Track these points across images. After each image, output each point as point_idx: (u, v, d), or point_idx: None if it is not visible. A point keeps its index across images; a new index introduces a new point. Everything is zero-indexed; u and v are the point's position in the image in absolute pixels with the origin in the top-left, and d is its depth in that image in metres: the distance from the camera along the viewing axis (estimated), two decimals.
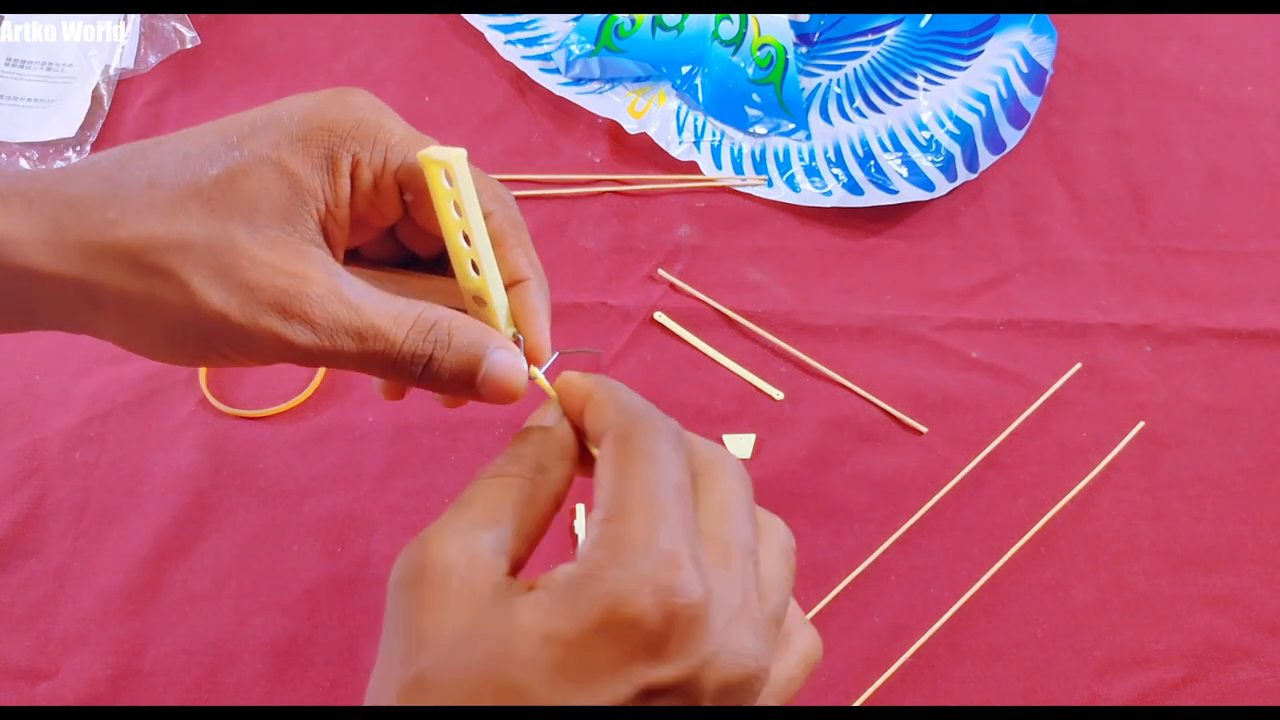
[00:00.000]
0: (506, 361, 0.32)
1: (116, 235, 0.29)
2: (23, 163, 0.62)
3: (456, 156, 0.30)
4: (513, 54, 0.66)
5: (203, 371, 0.55)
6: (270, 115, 0.31)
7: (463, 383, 0.32)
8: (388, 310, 0.31)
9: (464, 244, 0.31)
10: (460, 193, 0.30)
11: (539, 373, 0.33)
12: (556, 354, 0.33)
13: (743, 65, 0.64)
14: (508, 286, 0.33)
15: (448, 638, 0.25)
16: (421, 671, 0.25)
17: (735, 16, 0.64)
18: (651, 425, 0.28)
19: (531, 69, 0.66)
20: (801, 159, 0.63)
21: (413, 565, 0.27)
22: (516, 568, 0.28)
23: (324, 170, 0.31)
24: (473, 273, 0.32)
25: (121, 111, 0.65)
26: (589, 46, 0.64)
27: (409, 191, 0.32)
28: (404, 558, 0.27)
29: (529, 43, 0.67)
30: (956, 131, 0.62)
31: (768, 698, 0.28)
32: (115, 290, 0.29)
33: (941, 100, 0.63)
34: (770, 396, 0.56)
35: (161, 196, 0.29)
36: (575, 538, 0.51)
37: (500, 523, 0.27)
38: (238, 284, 0.29)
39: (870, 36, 0.68)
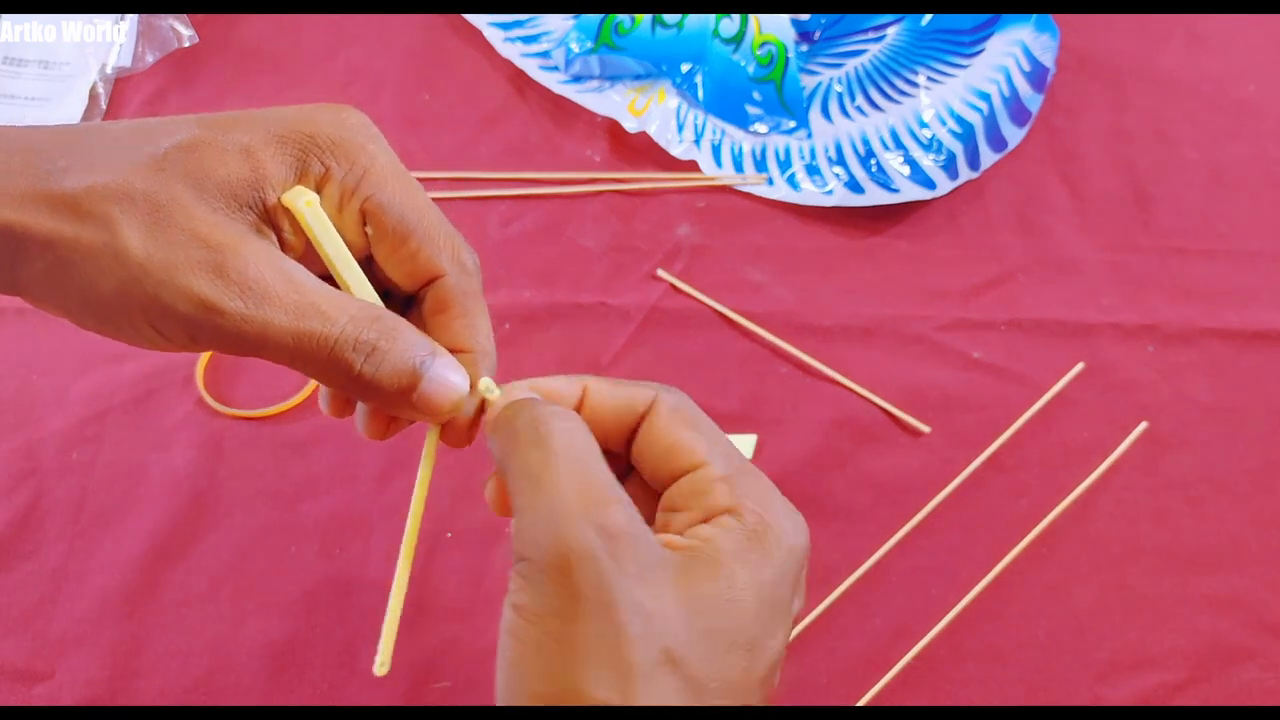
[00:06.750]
0: (452, 364, 0.31)
1: (61, 184, 0.28)
2: None
3: (307, 202, 0.30)
4: (512, 52, 0.66)
5: (200, 371, 0.54)
6: (255, 113, 0.30)
7: (402, 384, 0.30)
8: (330, 295, 0.29)
9: (341, 275, 0.31)
10: (314, 234, 0.30)
11: (491, 384, 0.32)
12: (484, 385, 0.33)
13: (743, 63, 0.64)
14: (453, 351, 0.32)
15: (674, 608, 0.26)
16: (667, 646, 0.26)
17: (736, 14, 0.64)
18: (684, 400, 0.31)
19: (530, 67, 0.65)
20: (802, 157, 0.63)
21: (598, 532, 0.26)
22: None
23: (290, 168, 0.30)
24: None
25: (118, 110, 0.64)
26: (589, 44, 0.64)
27: (371, 225, 0.31)
28: (576, 526, 0.26)
29: (528, 40, 0.66)
30: (958, 130, 0.62)
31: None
32: (44, 236, 0.28)
33: (943, 98, 0.63)
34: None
35: (115, 156, 0.29)
36: None
37: (613, 479, 0.28)
38: (168, 238, 0.28)
39: (871, 34, 0.67)
